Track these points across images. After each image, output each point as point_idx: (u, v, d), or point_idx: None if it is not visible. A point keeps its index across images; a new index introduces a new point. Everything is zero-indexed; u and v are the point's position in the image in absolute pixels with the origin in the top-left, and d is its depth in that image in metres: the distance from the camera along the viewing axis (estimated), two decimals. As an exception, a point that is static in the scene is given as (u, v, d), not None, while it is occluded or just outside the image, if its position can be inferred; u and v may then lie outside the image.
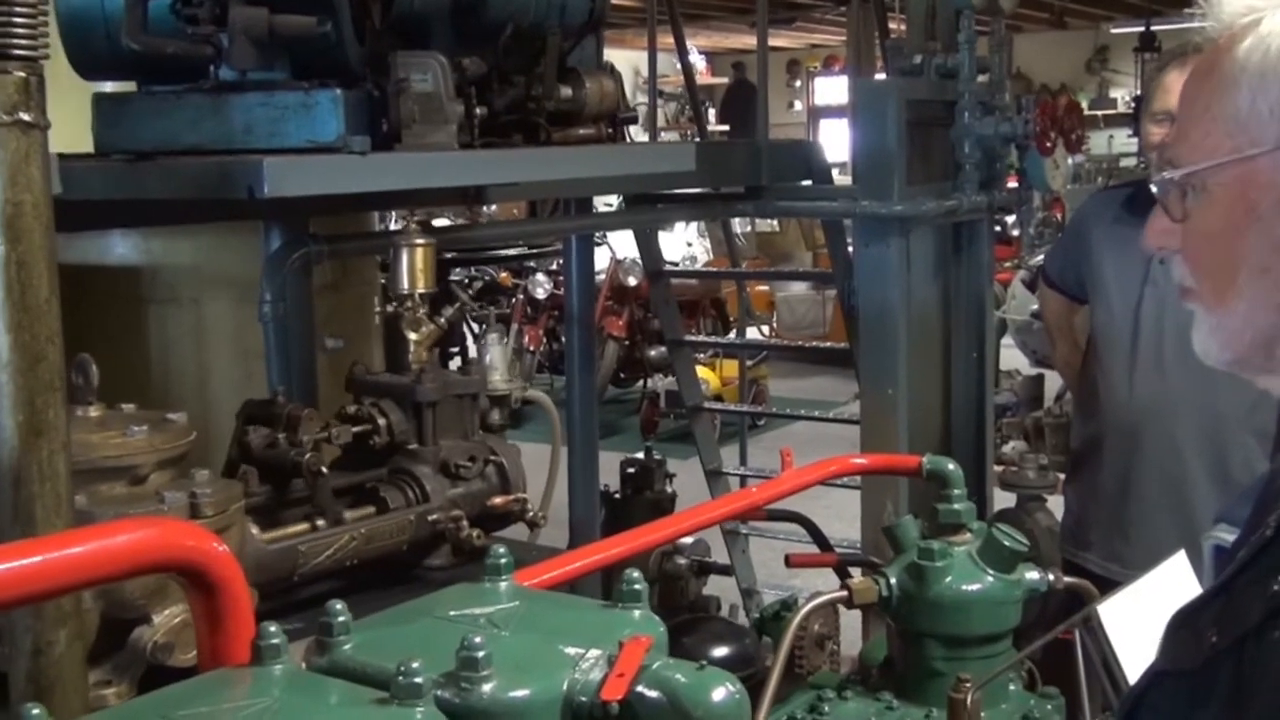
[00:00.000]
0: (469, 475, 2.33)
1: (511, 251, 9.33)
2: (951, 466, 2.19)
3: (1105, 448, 3.22)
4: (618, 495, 4.57)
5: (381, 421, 2.30)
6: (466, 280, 9.65)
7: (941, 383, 4.14)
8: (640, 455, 4.76)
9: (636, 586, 1.46)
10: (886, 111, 3.64)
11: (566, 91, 2.59)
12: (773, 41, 15.81)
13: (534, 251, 9.43)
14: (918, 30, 3.99)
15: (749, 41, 16.34)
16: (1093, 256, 3.27)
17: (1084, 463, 3.32)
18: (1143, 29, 13.75)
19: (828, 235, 4.46)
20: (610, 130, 2.69)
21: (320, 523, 2.16)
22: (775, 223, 11.97)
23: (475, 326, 9.13)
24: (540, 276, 9.45)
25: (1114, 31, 14.89)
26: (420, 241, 2.32)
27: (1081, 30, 15.28)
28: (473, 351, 8.32)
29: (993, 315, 4.22)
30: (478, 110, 2.35)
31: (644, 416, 8.85)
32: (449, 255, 7.45)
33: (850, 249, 4.31)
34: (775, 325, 10.93)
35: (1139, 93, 13.58)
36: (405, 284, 2.34)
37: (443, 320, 2.37)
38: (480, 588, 1.55)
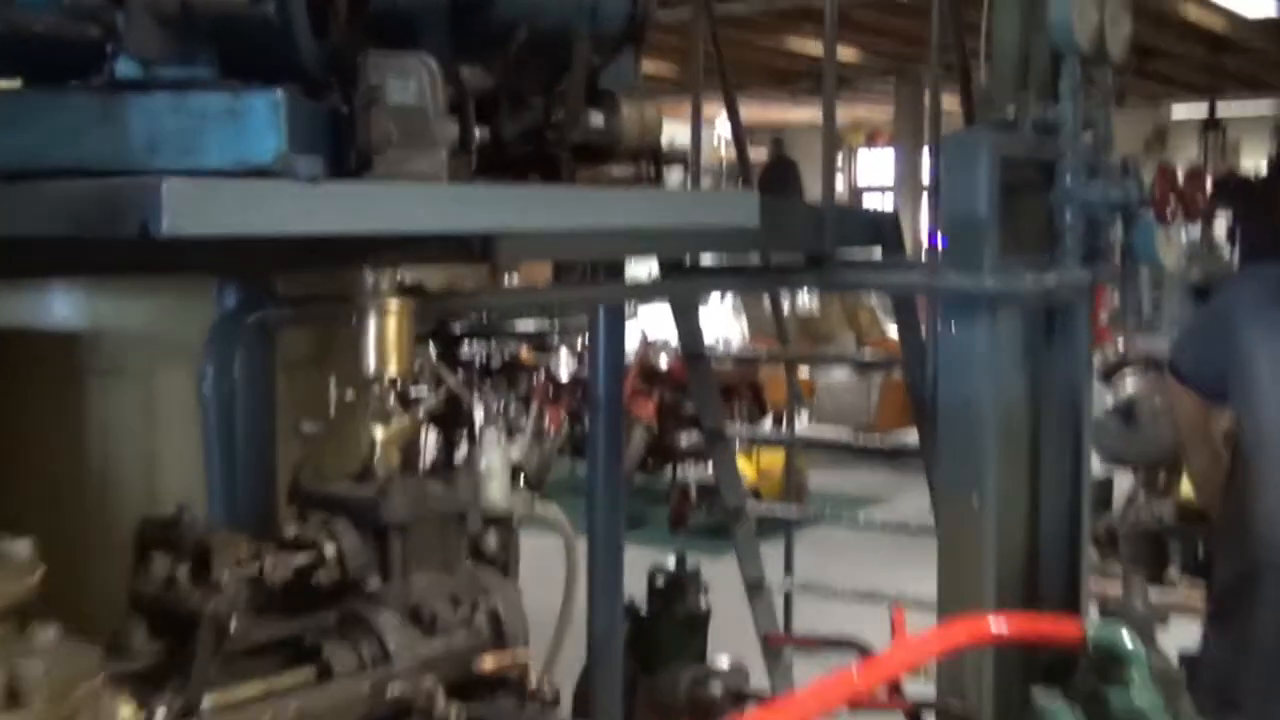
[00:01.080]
0: (448, 626, 1.70)
1: (530, 327, 8.70)
2: (1129, 643, 1.56)
3: (1260, 586, 2.62)
4: (644, 614, 3.96)
5: (329, 549, 1.67)
6: (486, 358, 9.06)
7: (1028, 491, 3.53)
8: (669, 563, 4.14)
9: None
10: (978, 169, 3.06)
11: (597, 118, 1.99)
12: (813, 116, 15.36)
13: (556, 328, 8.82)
14: (1007, 79, 3.42)
15: (788, 115, 15.90)
16: (1240, 350, 2.69)
17: (1233, 605, 2.70)
18: (1207, 104, 13.26)
19: (898, 314, 3.86)
20: (653, 170, 2.09)
21: (234, 697, 1.54)
22: (815, 306, 11.39)
23: (489, 408, 8.54)
24: (564, 354, 8.89)
25: (1175, 108, 14.33)
26: (392, 306, 1.73)
27: (1139, 109, 14.71)
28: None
29: (1088, 413, 3.61)
30: (478, 133, 1.76)
31: (674, 509, 8.37)
32: (458, 331, 6.84)
33: (923, 330, 3.75)
34: (813, 413, 10.31)
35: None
36: (371, 363, 1.75)
37: (420, 413, 1.76)
38: None
